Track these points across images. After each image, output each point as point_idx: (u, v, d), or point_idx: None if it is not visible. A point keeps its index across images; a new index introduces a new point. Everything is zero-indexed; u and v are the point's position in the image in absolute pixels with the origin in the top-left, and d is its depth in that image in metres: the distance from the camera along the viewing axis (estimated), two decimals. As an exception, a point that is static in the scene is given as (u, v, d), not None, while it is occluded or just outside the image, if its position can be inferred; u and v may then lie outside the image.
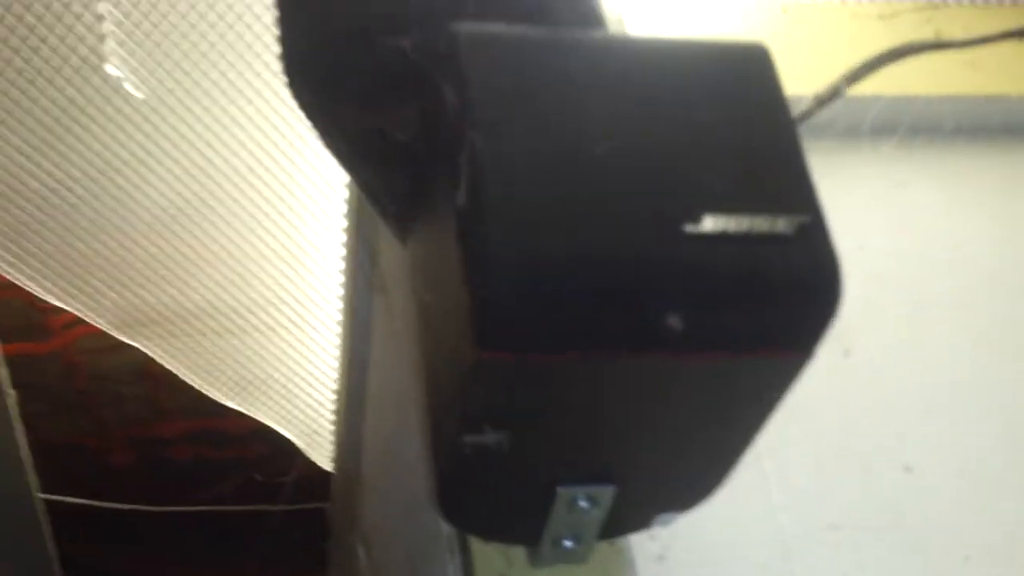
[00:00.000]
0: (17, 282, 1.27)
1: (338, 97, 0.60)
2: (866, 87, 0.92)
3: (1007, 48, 1.07)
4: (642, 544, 0.73)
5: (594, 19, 0.62)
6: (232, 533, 2.77)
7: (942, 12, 1.14)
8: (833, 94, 0.83)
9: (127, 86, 1.08)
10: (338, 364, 1.39)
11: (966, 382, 0.90)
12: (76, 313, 1.32)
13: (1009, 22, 1.06)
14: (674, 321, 0.51)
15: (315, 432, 1.58)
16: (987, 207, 1.01)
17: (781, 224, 0.53)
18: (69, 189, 1.14)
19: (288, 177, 1.12)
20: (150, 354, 1.39)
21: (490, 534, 0.68)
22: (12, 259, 1.22)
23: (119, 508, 2.66)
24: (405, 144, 0.60)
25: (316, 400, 1.48)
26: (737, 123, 0.57)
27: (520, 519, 0.65)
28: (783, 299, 0.53)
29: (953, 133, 1.01)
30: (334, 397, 1.42)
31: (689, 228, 0.52)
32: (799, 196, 0.55)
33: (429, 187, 0.62)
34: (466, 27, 0.56)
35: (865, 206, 0.97)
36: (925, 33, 1.04)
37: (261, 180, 1.12)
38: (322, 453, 1.60)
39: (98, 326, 1.35)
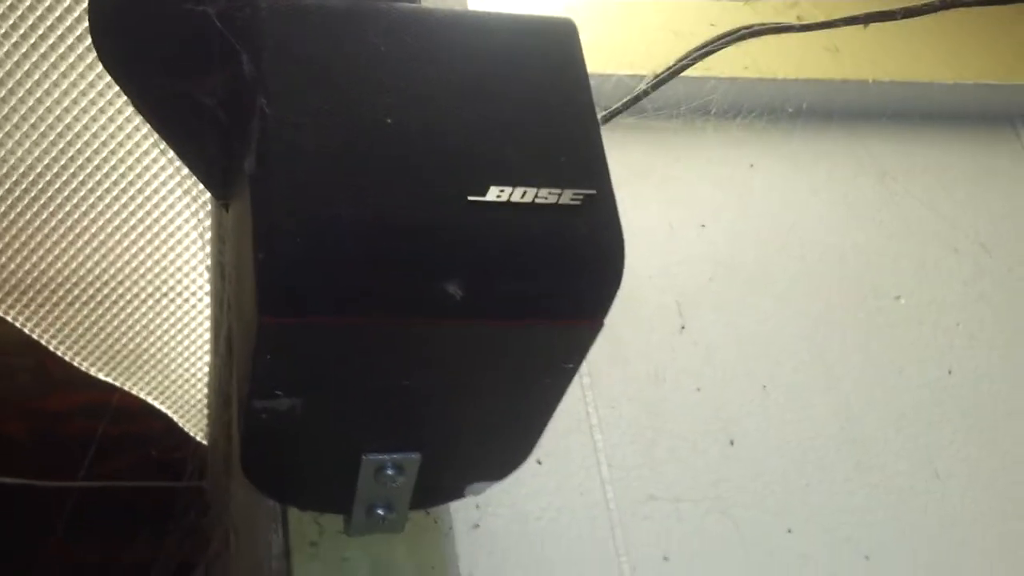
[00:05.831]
0: None
1: (143, 61, 0.60)
2: (712, 69, 0.93)
3: (870, 33, 1.09)
4: (462, 512, 0.74)
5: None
6: (126, 510, 2.73)
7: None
8: (669, 74, 0.84)
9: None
10: (209, 335, 1.38)
11: (798, 362, 0.92)
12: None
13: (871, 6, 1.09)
14: (453, 288, 0.52)
15: (192, 406, 1.57)
16: (831, 190, 1.03)
17: (566, 196, 0.54)
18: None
19: (145, 139, 1.11)
20: (18, 325, 1.37)
21: (300, 501, 0.68)
22: None
23: (9, 483, 2.61)
24: (212, 110, 0.60)
25: (190, 372, 1.47)
26: (535, 96, 0.58)
27: (328, 486, 0.66)
28: (564, 268, 0.54)
29: (804, 116, 1.03)
30: (207, 369, 1.41)
31: (473, 197, 0.52)
32: (589, 169, 0.56)
33: (237, 155, 0.62)
34: (272, -5, 0.55)
35: (711, 186, 0.99)
36: (787, 17, 1.06)
37: (116, 142, 1.10)
38: (200, 428, 1.59)
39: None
